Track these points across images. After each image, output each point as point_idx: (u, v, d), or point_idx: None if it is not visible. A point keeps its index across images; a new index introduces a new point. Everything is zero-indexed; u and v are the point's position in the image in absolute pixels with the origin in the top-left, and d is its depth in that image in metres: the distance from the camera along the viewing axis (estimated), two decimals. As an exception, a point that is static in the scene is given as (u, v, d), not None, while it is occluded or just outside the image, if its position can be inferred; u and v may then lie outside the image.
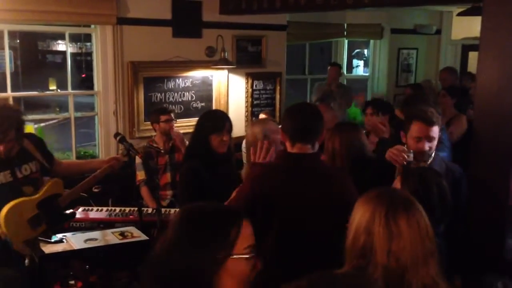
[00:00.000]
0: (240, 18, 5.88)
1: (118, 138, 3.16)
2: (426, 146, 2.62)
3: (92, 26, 5.18)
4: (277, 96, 6.53)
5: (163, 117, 4.53)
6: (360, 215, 1.46)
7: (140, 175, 4.36)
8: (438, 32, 8.20)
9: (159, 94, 5.50)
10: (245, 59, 6.15)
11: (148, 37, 5.32)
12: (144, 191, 4.34)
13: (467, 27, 7.49)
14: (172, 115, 4.59)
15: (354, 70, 8.06)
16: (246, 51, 6.18)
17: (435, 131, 2.64)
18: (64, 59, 5.45)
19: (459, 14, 6.06)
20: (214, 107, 5.85)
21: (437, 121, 2.64)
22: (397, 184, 2.30)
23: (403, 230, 1.40)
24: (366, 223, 1.42)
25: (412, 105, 3.47)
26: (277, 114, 6.46)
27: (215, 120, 2.83)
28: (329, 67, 6.92)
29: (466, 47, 8.22)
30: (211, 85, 5.91)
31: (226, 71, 5.94)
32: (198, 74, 5.79)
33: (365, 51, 8.36)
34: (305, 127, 2.25)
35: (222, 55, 5.66)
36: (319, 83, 7.00)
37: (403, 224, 1.41)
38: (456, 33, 8.22)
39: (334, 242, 1.71)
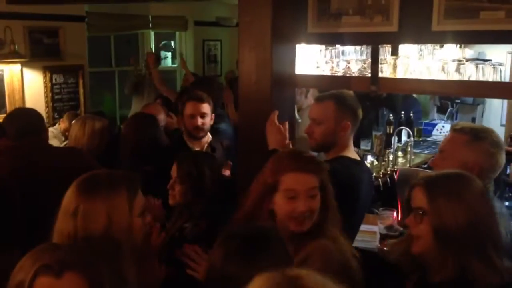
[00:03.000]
0: (31, 8, 5.54)
1: None
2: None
3: None
4: (81, 90, 6.30)
5: None
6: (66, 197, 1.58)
7: None
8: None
9: None
10: (41, 51, 5.80)
11: None
12: None
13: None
14: None
15: (163, 61, 8.14)
16: (42, 43, 5.83)
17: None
18: None
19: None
20: (7, 104, 5.45)
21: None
22: (174, 169, 2.46)
23: (99, 208, 1.55)
24: (67, 205, 1.55)
25: None
26: (82, 108, 6.27)
27: None
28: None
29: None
30: (2, 80, 5.47)
31: (19, 65, 5.56)
32: (-15, 68, 5.32)
33: (172, 43, 8.50)
34: (30, 129, 2.76)
35: (12, 47, 5.29)
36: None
37: (99, 202, 1.55)
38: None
39: None
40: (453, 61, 2.58)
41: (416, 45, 2.74)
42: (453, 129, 2.17)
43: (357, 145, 4.28)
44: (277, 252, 1.36)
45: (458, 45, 3.66)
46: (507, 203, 3.77)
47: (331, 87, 2.72)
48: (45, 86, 5.93)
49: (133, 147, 3.07)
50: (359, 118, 2.40)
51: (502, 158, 2.03)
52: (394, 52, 2.85)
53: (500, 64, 2.46)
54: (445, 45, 2.94)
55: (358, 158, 2.45)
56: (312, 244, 1.76)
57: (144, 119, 3.32)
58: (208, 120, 3.15)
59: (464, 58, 3.08)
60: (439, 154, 2.14)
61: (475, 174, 1.94)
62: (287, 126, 2.42)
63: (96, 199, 1.56)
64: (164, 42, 8.42)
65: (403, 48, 2.85)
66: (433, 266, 1.59)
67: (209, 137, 3.21)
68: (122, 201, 1.57)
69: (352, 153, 2.41)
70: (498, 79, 2.49)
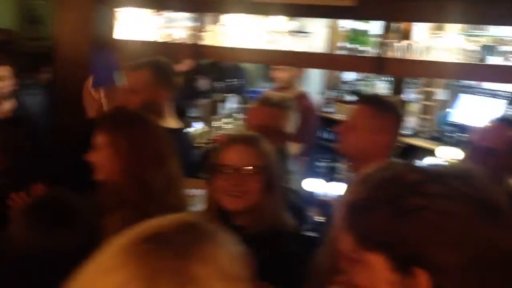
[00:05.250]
0: None
1: None
2: None
3: None
4: None
5: None
6: None
7: None
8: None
9: None
10: None
11: None
12: None
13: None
14: None
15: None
16: None
17: None
18: None
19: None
20: None
21: None
22: None
23: None
24: None
25: None
26: None
27: None
28: None
29: None
30: None
31: None
32: None
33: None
34: None
35: None
36: None
37: None
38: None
39: None
40: (270, 32, 2.71)
41: (243, 15, 2.79)
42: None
43: (183, 112, 4.31)
44: (82, 224, 1.33)
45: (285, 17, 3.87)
46: (321, 164, 4.19)
47: (154, 53, 2.69)
48: None
49: None
50: (176, 86, 2.42)
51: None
52: (219, 21, 2.89)
53: (307, 35, 2.66)
54: (272, 16, 3.06)
55: (177, 126, 2.46)
56: None
57: None
58: (7, 85, 2.92)
59: (289, 30, 3.24)
60: None
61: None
62: (102, 93, 2.34)
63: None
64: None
65: (231, 17, 2.89)
66: None
67: (13, 105, 2.98)
68: None
69: (170, 121, 2.41)
70: (309, 50, 2.69)
